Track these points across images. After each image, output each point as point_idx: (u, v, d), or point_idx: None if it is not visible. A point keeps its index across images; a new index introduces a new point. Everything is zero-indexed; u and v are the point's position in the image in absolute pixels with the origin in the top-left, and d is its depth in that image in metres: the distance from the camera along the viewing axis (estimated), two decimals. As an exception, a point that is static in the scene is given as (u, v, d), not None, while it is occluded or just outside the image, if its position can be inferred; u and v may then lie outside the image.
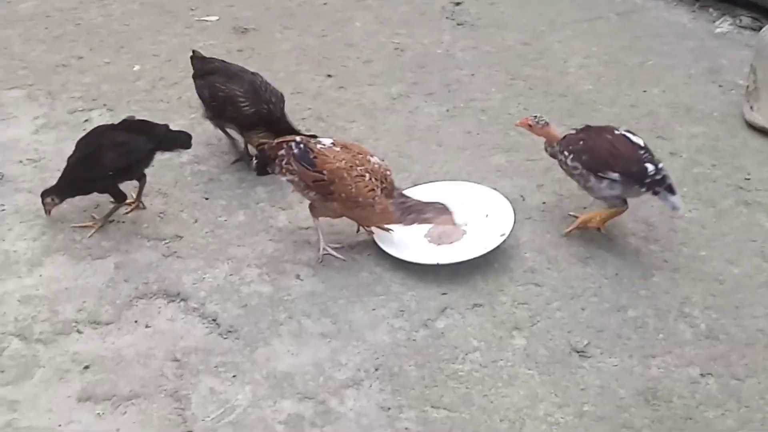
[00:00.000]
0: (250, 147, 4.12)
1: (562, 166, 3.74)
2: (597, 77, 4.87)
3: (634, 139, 3.64)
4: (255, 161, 3.73)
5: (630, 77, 4.87)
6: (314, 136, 3.77)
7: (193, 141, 4.28)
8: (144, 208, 3.89)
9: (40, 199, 3.79)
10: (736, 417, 3.04)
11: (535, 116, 3.83)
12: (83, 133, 4.34)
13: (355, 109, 4.61)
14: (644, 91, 4.74)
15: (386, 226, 3.71)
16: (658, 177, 3.51)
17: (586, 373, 3.19)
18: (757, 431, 2.99)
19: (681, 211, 3.59)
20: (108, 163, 3.68)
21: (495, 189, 3.87)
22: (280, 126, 3.99)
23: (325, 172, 3.52)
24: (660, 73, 4.90)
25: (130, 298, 3.49)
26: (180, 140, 3.83)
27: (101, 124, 4.00)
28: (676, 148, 4.29)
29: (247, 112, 4.00)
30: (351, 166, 3.51)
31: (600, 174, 3.58)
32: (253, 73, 4.15)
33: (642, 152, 3.58)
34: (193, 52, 4.36)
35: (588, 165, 3.60)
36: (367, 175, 3.51)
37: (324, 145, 3.60)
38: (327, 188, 3.53)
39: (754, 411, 3.05)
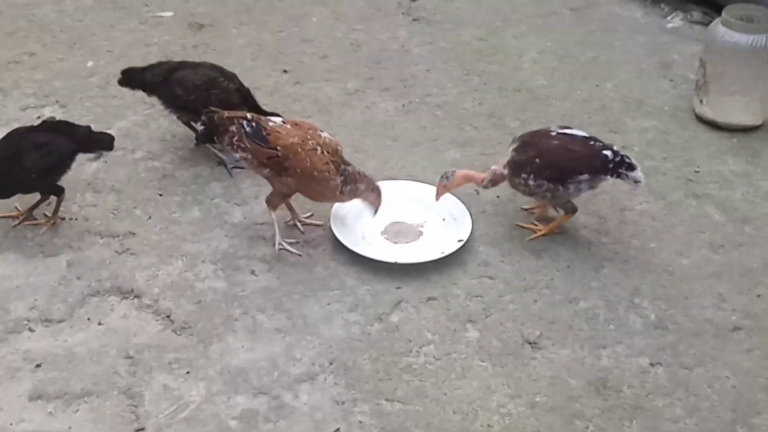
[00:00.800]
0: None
1: (519, 188, 3.67)
2: (551, 72, 4.92)
3: (577, 133, 3.68)
4: (201, 128, 3.72)
5: (583, 72, 4.92)
6: (278, 115, 3.86)
7: (147, 137, 4.30)
8: (58, 222, 3.79)
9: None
10: (685, 405, 3.09)
11: (442, 175, 3.71)
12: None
13: (311, 105, 4.61)
14: (597, 86, 4.80)
15: (316, 221, 3.80)
16: (617, 159, 3.58)
17: (538, 364, 3.23)
18: (705, 419, 3.05)
19: (642, 182, 3.63)
20: (29, 164, 3.61)
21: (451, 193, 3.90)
22: (257, 107, 4.06)
23: (279, 148, 3.52)
24: (612, 67, 4.96)
25: (83, 295, 3.46)
26: (103, 142, 3.80)
27: (20, 126, 3.92)
28: (628, 141, 4.35)
29: (232, 89, 4.05)
30: (303, 141, 3.52)
31: (569, 181, 3.59)
32: (209, 63, 4.21)
33: (592, 143, 3.63)
34: (123, 71, 4.23)
35: (553, 177, 3.58)
36: (319, 148, 3.52)
37: (275, 122, 3.61)
38: (282, 164, 3.53)
39: (702, 399, 3.11)
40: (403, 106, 4.63)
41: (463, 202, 3.84)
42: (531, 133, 3.73)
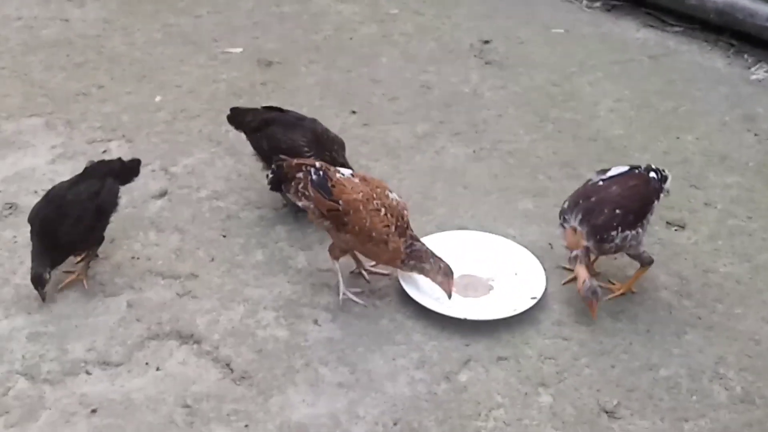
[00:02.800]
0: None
1: (610, 251, 3.47)
2: (628, 122, 4.75)
3: (616, 170, 3.59)
4: (270, 175, 3.62)
5: (662, 123, 4.74)
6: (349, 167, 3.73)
7: (213, 176, 4.22)
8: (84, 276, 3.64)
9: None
10: (774, 489, 2.88)
11: (591, 294, 3.38)
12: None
13: (379, 148, 4.50)
14: (677, 138, 4.61)
15: (382, 270, 3.65)
16: (661, 176, 3.60)
17: (615, 435, 3.04)
18: (796, 505, 2.83)
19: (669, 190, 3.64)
20: (108, 209, 3.59)
21: (524, 246, 3.76)
22: None
23: (341, 202, 3.41)
24: (693, 119, 4.77)
25: (142, 338, 3.37)
26: (134, 168, 3.76)
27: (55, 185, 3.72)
28: (710, 198, 4.15)
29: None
30: (368, 199, 3.40)
31: (645, 217, 3.49)
32: (312, 120, 4.01)
33: (637, 171, 3.59)
34: (232, 109, 4.16)
35: (636, 221, 3.44)
36: (383, 209, 3.40)
37: (343, 174, 3.49)
38: (341, 219, 3.41)
39: (793, 483, 2.90)
40: (474, 152, 4.50)
41: (536, 256, 3.68)
42: (579, 196, 3.49)
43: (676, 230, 3.95)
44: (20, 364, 3.26)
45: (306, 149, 3.83)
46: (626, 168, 3.58)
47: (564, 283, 3.61)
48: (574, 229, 3.41)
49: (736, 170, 4.36)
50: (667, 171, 3.61)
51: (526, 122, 4.74)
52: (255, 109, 4.13)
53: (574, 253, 3.41)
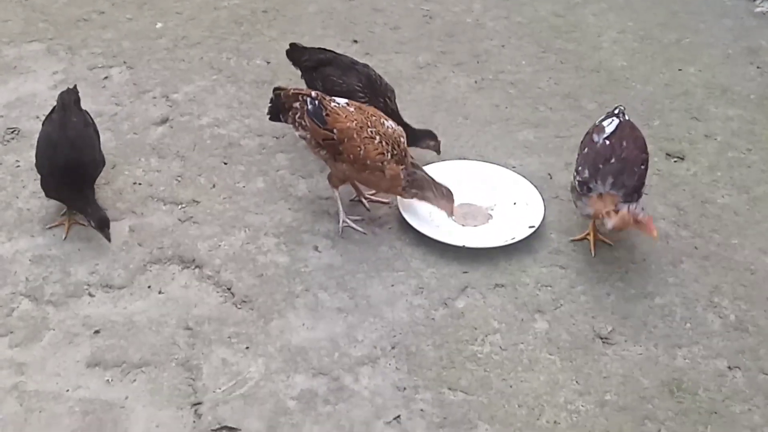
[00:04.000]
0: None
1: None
2: (631, 53, 4.72)
3: (608, 126, 3.45)
4: (269, 105, 3.62)
5: (665, 55, 4.72)
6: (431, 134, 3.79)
7: (214, 104, 4.22)
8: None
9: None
10: (764, 413, 2.94)
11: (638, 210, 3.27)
12: (102, 90, 4.28)
13: (381, 77, 4.48)
14: (680, 70, 4.59)
15: (382, 198, 3.65)
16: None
17: (609, 360, 3.09)
18: (785, 429, 2.90)
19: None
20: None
21: (524, 176, 3.77)
22: (396, 120, 3.78)
23: (335, 130, 3.41)
24: (697, 51, 4.75)
25: (144, 262, 3.40)
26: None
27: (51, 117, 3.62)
28: (711, 130, 4.16)
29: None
30: (362, 127, 3.40)
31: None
32: (364, 65, 3.95)
33: (617, 120, 3.48)
34: (291, 44, 4.09)
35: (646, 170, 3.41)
36: (378, 137, 3.40)
37: (338, 104, 3.49)
38: (336, 148, 3.42)
39: (782, 408, 2.96)
40: (476, 82, 4.48)
41: (535, 186, 3.70)
42: (595, 161, 3.34)
43: (675, 161, 3.96)
44: (24, 285, 3.30)
45: (361, 94, 3.79)
46: (614, 120, 3.44)
47: (572, 240, 3.55)
48: (601, 195, 3.28)
49: (738, 103, 4.35)
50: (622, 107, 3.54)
51: (528, 53, 4.72)
52: (312, 48, 4.06)
53: (625, 209, 3.24)
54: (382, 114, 3.53)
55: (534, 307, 3.28)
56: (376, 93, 3.82)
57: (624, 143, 3.36)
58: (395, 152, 3.42)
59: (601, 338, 3.17)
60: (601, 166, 3.31)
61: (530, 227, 3.52)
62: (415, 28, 4.90)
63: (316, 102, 3.48)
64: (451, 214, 3.50)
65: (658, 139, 4.07)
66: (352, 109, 3.47)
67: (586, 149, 3.43)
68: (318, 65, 3.94)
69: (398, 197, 3.58)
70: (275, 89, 3.60)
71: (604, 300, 3.30)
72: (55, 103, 3.62)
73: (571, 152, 3.96)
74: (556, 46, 4.77)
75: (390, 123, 3.48)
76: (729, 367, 3.08)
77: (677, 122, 4.20)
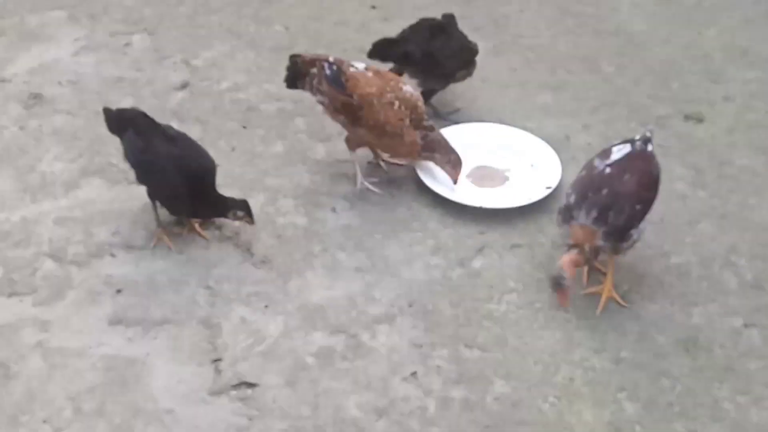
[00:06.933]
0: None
1: (621, 252, 3.09)
2: (650, 16, 4.70)
3: (616, 152, 3.11)
4: (286, 72, 3.62)
5: (685, 17, 4.69)
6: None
7: (233, 69, 4.25)
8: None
9: (78, 122, 3.79)
10: (779, 370, 2.95)
11: (556, 283, 2.98)
12: (124, 57, 4.31)
13: (399, 42, 4.48)
14: (699, 33, 4.57)
15: (400, 160, 3.67)
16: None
17: (624, 318, 3.11)
18: (800, 385, 2.91)
19: None
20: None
21: (541, 138, 3.77)
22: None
23: (354, 96, 3.43)
24: (717, 14, 4.71)
25: (165, 224, 3.45)
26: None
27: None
28: (730, 92, 4.14)
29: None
30: (381, 93, 3.41)
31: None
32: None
33: (631, 147, 3.13)
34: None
35: (645, 212, 3.09)
36: (397, 102, 3.41)
37: (357, 69, 3.50)
38: (355, 113, 3.44)
39: (797, 365, 2.96)
40: (494, 46, 4.48)
41: (552, 148, 3.71)
42: (586, 188, 3.02)
43: (694, 123, 3.95)
44: (47, 246, 3.36)
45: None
46: (627, 146, 3.11)
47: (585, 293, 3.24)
48: (582, 226, 2.98)
49: (757, 65, 4.33)
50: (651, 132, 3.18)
51: (546, 17, 4.71)
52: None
53: (578, 249, 2.98)
54: (400, 78, 3.54)
55: (550, 267, 3.29)
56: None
57: (626, 176, 3.02)
58: (413, 117, 3.44)
59: (618, 296, 3.18)
60: (590, 194, 2.99)
61: (547, 188, 3.53)
62: (434, -7, 4.89)
63: (334, 67, 3.49)
64: (455, 181, 3.51)
65: (677, 101, 4.06)
66: (370, 74, 3.49)
67: (584, 172, 3.13)
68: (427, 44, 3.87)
69: (415, 159, 3.61)
70: (292, 56, 3.62)
71: (621, 259, 3.31)
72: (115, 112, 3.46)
73: (589, 114, 3.99)
74: (575, 10, 4.75)
75: (408, 87, 3.49)
76: (745, 325, 3.09)
77: (696, 84, 4.18)
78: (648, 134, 3.16)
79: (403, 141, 3.45)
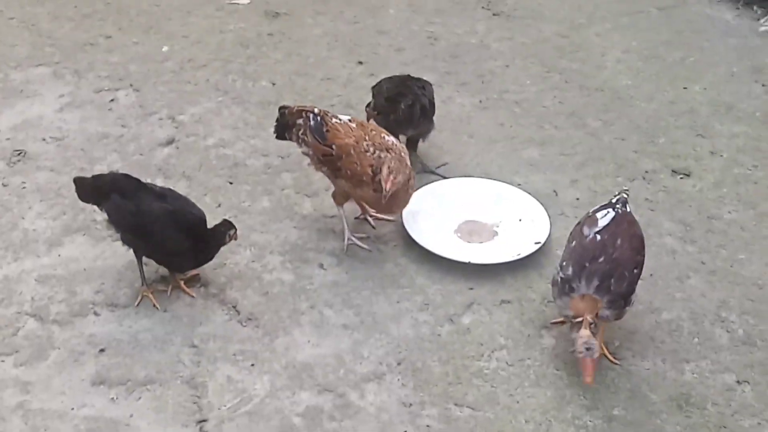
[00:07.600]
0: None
1: (622, 316, 3.06)
2: (636, 72, 4.73)
3: (602, 218, 3.08)
4: (275, 123, 3.62)
5: (670, 73, 4.73)
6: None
7: (220, 125, 4.24)
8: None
9: (62, 179, 3.74)
10: (774, 428, 2.91)
11: (586, 350, 2.87)
12: (109, 113, 4.30)
13: (386, 98, 4.50)
14: (684, 88, 4.60)
15: (387, 216, 3.62)
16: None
17: (616, 375, 3.07)
18: (795, 443, 2.87)
19: None
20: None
21: (529, 193, 3.76)
22: None
23: (334, 146, 3.40)
24: (701, 70, 4.76)
25: (149, 281, 3.40)
26: None
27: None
28: (717, 147, 4.15)
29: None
30: (358, 142, 3.37)
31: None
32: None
33: (614, 211, 3.12)
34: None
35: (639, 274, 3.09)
36: (372, 149, 3.34)
37: (340, 120, 3.49)
38: (335, 164, 3.41)
39: (792, 422, 2.92)
40: (480, 102, 4.49)
41: (541, 203, 3.69)
42: (582, 258, 2.97)
43: (681, 178, 3.96)
44: (29, 305, 3.30)
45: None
46: (610, 212, 3.09)
47: (552, 323, 3.27)
48: (583, 297, 2.94)
49: (743, 120, 4.35)
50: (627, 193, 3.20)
51: (532, 73, 4.73)
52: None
53: (585, 320, 2.90)
54: (383, 129, 3.52)
55: (540, 323, 3.26)
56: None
57: (618, 241, 2.99)
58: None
59: (609, 353, 3.14)
60: (587, 264, 2.94)
61: (536, 243, 3.51)
62: (420, 50, 4.93)
63: (318, 118, 3.48)
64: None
65: (664, 156, 4.07)
66: (353, 125, 3.47)
67: (573, 242, 3.06)
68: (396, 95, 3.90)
69: (403, 215, 3.58)
70: (281, 107, 3.62)
71: (611, 315, 3.29)
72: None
73: (576, 169, 3.99)
74: (561, 66, 4.78)
75: (391, 138, 3.45)
76: (738, 382, 3.05)
77: (683, 139, 4.20)
78: (625, 195, 3.16)
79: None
